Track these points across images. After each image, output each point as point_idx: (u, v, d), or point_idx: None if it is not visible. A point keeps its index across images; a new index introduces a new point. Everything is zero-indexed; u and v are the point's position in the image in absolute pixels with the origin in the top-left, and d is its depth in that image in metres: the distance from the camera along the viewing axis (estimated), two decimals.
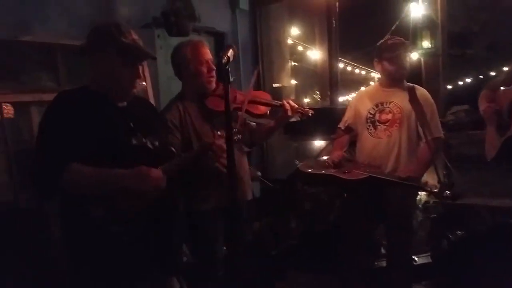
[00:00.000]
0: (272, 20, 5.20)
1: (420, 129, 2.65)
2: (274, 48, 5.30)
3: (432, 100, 2.78)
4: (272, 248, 3.47)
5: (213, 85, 2.44)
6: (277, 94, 5.29)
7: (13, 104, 2.86)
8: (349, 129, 2.96)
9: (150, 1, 3.64)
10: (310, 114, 2.50)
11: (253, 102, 2.44)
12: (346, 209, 3.09)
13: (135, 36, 1.80)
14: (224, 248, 2.53)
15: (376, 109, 2.79)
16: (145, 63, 3.60)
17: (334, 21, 4.52)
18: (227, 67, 1.58)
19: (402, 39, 2.78)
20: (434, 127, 2.67)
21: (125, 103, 1.84)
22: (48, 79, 3.15)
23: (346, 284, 2.97)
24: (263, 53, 5.11)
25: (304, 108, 2.49)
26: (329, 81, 4.60)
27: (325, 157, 2.92)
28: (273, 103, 2.48)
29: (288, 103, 2.43)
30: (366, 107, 2.83)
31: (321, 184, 3.31)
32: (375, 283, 2.99)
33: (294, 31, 5.04)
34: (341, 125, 2.98)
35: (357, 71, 7.46)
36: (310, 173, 2.78)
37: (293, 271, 3.41)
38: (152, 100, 3.70)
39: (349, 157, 2.90)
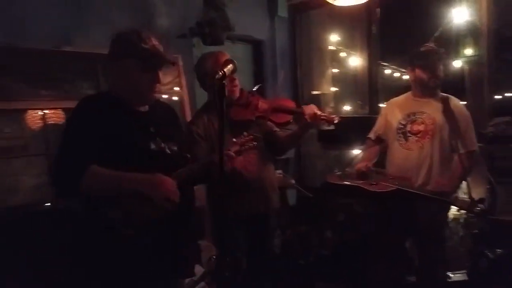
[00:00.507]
0: (312, 26, 5.17)
1: (454, 141, 2.54)
2: (313, 54, 5.26)
3: (466, 112, 2.66)
4: (300, 257, 3.43)
5: (236, 94, 2.49)
6: (316, 101, 5.24)
7: (56, 110, 3.03)
8: (379, 140, 2.88)
9: (188, 12, 3.73)
10: (335, 121, 2.43)
11: (276, 110, 2.44)
12: (374, 222, 3.00)
13: (155, 42, 1.83)
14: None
15: (407, 119, 2.71)
16: (181, 72, 3.78)
17: (374, 27, 4.42)
18: (223, 82, 1.57)
19: (435, 47, 2.69)
20: (468, 140, 2.56)
21: (146, 108, 1.88)
22: (89, 87, 3.30)
23: None
24: (301, 60, 5.09)
25: (330, 116, 2.44)
26: (368, 88, 4.50)
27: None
28: (295, 110, 2.47)
29: (309, 109, 2.40)
30: (397, 117, 2.75)
31: (348, 195, 3.24)
32: None
33: (335, 37, 4.96)
34: (371, 135, 2.91)
35: (405, 77, 7.20)
36: (336, 184, 2.73)
37: (322, 283, 3.36)
38: (188, 108, 3.81)
39: (379, 169, 2.81)
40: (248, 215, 2.45)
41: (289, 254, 3.49)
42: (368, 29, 4.44)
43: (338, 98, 5.21)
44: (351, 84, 5.12)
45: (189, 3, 3.70)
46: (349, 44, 5.01)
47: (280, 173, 4.73)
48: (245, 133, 1.99)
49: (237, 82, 2.47)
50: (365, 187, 2.62)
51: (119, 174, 1.68)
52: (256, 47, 4.83)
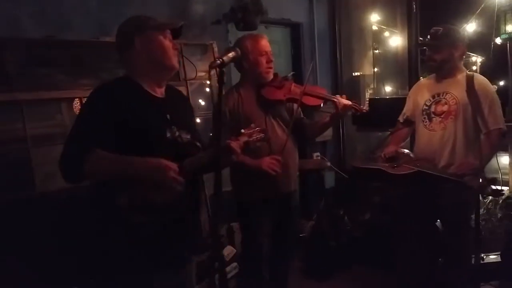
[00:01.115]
0: (352, 6, 5.09)
1: (478, 121, 2.46)
2: (354, 35, 5.19)
3: (491, 89, 2.56)
4: (331, 239, 3.47)
5: (271, 75, 2.55)
6: (356, 83, 5.20)
7: None
8: (408, 122, 2.84)
9: None
10: (364, 111, 2.45)
11: (308, 94, 2.49)
12: (400, 204, 2.97)
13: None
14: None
15: (432, 100, 2.65)
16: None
17: (414, 5, 4.27)
18: (222, 69, 1.56)
19: (445, 27, 2.59)
20: (493, 118, 2.46)
21: (163, 93, 1.87)
22: None
23: (402, 281, 2.90)
24: (341, 41, 5.03)
25: (359, 105, 2.45)
26: (408, 68, 4.37)
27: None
28: (327, 97, 2.50)
29: (340, 100, 2.42)
30: (424, 99, 2.70)
31: (371, 178, 3.22)
32: (433, 282, 2.85)
33: (375, 17, 4.84)
34: (400, 118, 2.87)
35: None
36: (360, 167, 2.74)
37: (355, 264, 3.39)
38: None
39: (406, 152, 2.77)
40: (269, 197, 2.51)
41: (320, 235, 3.52)
42: (409, 8, 4.30)
43: (379, 79, 5.11)
44: (392, 65, 5.00)
45: None
46: (390, 23, 4.89)
47: (318, 156, 4.77)
48: (252, 125, 1.95)
49: (272, 64, 2.53)
50: (387, 170, 2.60)
51: (123, 157, 1.63)
52: (294, 30, 4.83)
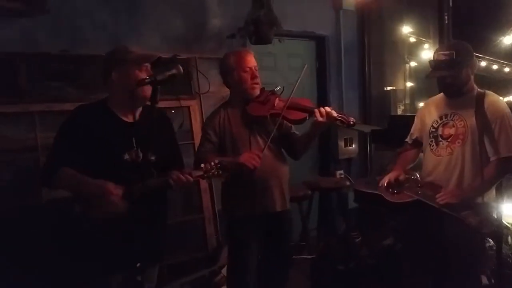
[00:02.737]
0: (383, 18, 4.87)
1: (487, 145, 2.24)
2: (386, 47, 4.96)
3: (503, 109, 2.27)
4: (340, 263, 3.29)
5: (257, 91, 2.49)
6: (387, 98, 4.97)
7: None
8: (417, 143, 2.63)
9: (238, 12, 3.75)
10: (351, 123, 2.28)
11: (291, 108, 2.39)
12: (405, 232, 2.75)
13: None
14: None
15: (439, 122, 2.42)
16: None
17: (446, 17, 4.02)
18: (156, 87, 1.64)
19: (455, 46, 2.36)
20: (502, 145, 2.21)
21: (134, 118, 2.02)
22: None
23: None
24: (370, 54, 4.82)
25: (346, 117, 2.28)
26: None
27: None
28: (309, 108, 2.37)
29: (322, 109, 2.29)
30: (432, 119, 2.48)
31: (373, 203, 3.00)
32: None
33: (407, 28, 4.61)
34: (408, 139, 2.67)
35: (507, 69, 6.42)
36: (361, 191, 2.57)
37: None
38: None
39: (411, 176, 2.55)
40: (256, 215, 2.44)
41: (329, 257, 3.36)
42: (440, 19, 4.05)
43: (413, 94, 4.85)
44: (428, 79, 4.72)
45: (241, 2, 3.73)
46: (423, 34, 4.63)
47: (341, 174, 4.60)
48: (212, 162, 2.03)
49: (258, 80, 2.47)
50: (386, 197, 2.42)
51: (80, 177, 1.89)
52: (319, 43, 4.69)
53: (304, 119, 2.37)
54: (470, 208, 2.11)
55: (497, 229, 2.21)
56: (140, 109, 2.05)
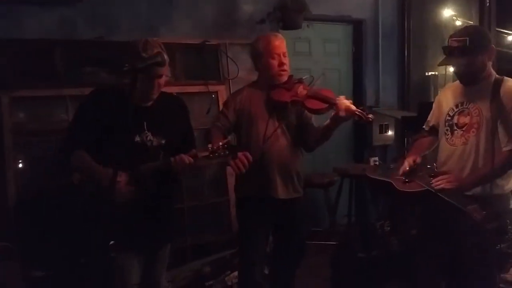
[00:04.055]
0: (425, 1, 4.66)
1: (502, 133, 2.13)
2: (428, 31, 4.76)
3: None
4: (360, 251, 3.27)
5: (284, 78, 2.49)
6: (427, 83, 4.78)
7: None
8: (434, 131, 2.54)
9: None
10: (370, 120, 2.23)
11: (312, 97, 2.39)
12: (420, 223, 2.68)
13: (157, 50, 2.00)
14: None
15: (455, 110, 2.32)
16: None
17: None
18: (136, 75, 1.76)
19: (469, 31, 2.22)
20: None
21: (149, 103, 2.10)
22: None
23: None
24: (410, 38, 4.64)
25: (365, 113, 2.21)
26: None
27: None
28: (329, 100, 2.36)
29: (343, 102, 2.26)
30: (448, 106, 2.38)
31: (384, 191, 2.93)
32: None
33: (448, 12, 4.39)
34: (425, 126, 2.58)
35: None
36: (370, 177, 2.54)
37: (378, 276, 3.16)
38: None
39: (428, 166, 2.48)
40: (256, 197, 2.47)
41: (350, 245, 3.35)
42: (481, 1, 3.83)
43: (455, 79, 4.61)
44: None
45: None
46: (465, 16, 4.39)
47: (375, 161, 4.51)
48: (220, 143, 2.03)
49: (285, 67, 2.47)
50: (395, 185, 2.38)
51: (89, 163, 2.00)
52: (356, 27, 4.58)
53: (323, 109, 2.36)
54: (477, 201, 2.02)
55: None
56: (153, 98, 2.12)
